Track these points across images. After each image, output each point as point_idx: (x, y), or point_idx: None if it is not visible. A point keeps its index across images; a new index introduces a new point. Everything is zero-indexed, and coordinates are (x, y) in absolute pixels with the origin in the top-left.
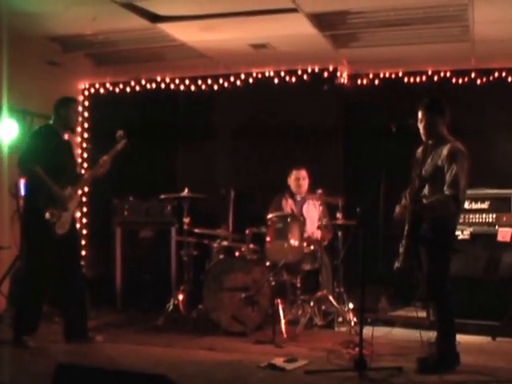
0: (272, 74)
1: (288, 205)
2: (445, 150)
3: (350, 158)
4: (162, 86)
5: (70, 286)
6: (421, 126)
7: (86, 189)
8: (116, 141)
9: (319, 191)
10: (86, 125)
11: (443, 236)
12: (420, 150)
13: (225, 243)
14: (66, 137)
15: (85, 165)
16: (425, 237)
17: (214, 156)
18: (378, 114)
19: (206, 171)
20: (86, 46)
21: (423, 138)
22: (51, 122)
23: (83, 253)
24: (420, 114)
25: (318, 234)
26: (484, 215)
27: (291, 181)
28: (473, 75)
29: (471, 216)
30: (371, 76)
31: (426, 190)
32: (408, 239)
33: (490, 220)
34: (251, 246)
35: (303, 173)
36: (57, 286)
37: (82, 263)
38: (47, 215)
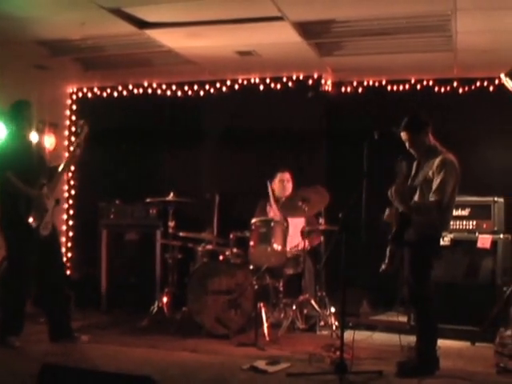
0: (257, 80)
1: (272, 210)
2: (436, 162)
3: (333, 163)
4: (149, 91)
5: (54, 285)
6: (408, 146)
7: (73, 192)
8: (78, 131)
9: (302, 189)
10: (73, 128)
11: (428, 242)
12: (415, 163)
13: (209, 247)
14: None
15: (72, 168)
16: (409, 240)
17: (199, 161)
18: (362, 121)
19: (192, 175)
20: (74, 50)
21: (414, 155)
22: (14, 126)
23: (69, 255)
24: (403, 136)
25: (301, 246)
26: (464, 222)
27: (276, 183)
28: (455, 84)
29: (452, 223)
30: (355, 84)
31: (415, 199)
32: (393, 243)
33: (471, 227)
34: (235, 249)
35: (287, 175)
36: (40, 285)
37: (68, 264)
38: (30, 220)
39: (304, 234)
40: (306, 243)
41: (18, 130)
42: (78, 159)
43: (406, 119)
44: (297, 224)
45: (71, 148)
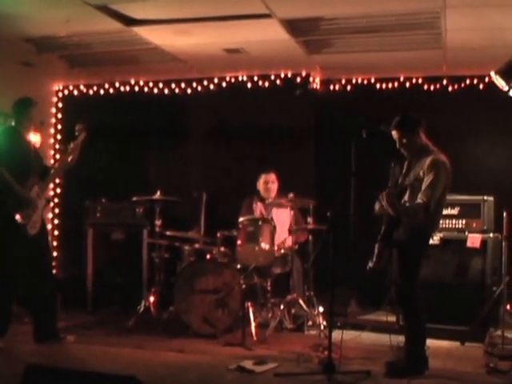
0: (245, 78)
1: (258, 208)
2: (427, 161)
3: (321, 162)
4: (136, 88)
5: (40, 286)
6: (399, 146)
7: (59, 190)
8: (76, 134)
9: (290, 195)
10: (59, 126)
11: (416, 241)
12: (406, 163)
13: (196, 246)
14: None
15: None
16: (398, 240)
17: (186, 159)
18: (350, 119)
19: (179, 174)
20: (61, 47)
21: (405, 154)
22: (13, 123)
23: (54, 254)
24: (394, 136)
25: (289, 241)
26: (454, 221)
27: (260, 184)
28: (445, 82)
29: (441, 221)
30: (343, 82)
31: (405, 198)
32: (382, 241)
33: (460, 226)
34: (222, 248)
35: (272, 176)
36: (26, 286)
37: (53, 264)
38: (18, 217)
39: (291, 232)
40: (293, 239)
41: (17, 126)
42: (74, 163)
43: (397, 119)
44: (283, 219)
45: (68, 150)
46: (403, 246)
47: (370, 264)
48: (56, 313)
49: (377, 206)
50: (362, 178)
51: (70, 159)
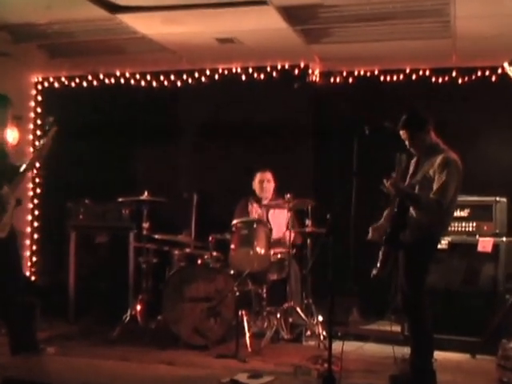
0: (239, 70)
1: (253, 209)
2: (438, 160)
3: (320, 160)
4: (122, 81)
5: (10, 293)
6: (408, 145)
7: (38, 190)
8: (46, 128)
9: (287, 195)
10: (38, 121)
11: (424, 245)
12: (413, 160)
13: (186, 250)
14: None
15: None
16: (405, 243)
17: (176, 157)
18: (352, 114)
19: (168, 173)
20: (40, 36)
21: (414, 153)
22: None
23: (34, 259)
24: (402, 135)
25: (286, 238)
26: (464, 224)
27: (255, 184)
28: (454, 74)
29: (450, 224)
30: (345, 74)
31: None
32: (388, 245)
33: (470, 229)
34: (214, 253)
35: (268, 175)
36: None
37: (33, 270)
38: None
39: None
40: (291, 236)
41: None
42: (44, 159)
43: (404, 117)
44: (280, 221)
45: (37, 146)
46: (410, 250)
47: (374, 271)
48: (35, 322)
49: (370, 232)
50: (364, 177)
51: (39, 156)
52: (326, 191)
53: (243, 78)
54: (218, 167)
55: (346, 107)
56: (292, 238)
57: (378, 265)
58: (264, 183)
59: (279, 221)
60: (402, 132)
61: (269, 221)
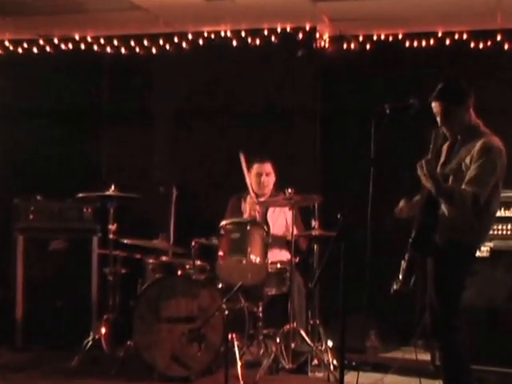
0: (229, 34)
1: (248, 208)
2: (477, 145)
3: (330, 147)
4: (82, 46)
5: None
6: (439, 122)
7: None
8: None
9: (288, 191)
10: None
11: (460, 251)
12: (446, 145)
13: (163, 258)
14: None
15: None
16: (435, 249)
17: (150, 142)
18: (369, 89)
19: (140, 163)
20: None
21: (447, 135)
22: None
23: None
24: (434, 109)
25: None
26: (509, 226)
27: (252, 177)
28: (499, 37)
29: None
30: (361, 38)
31: None
32: (414, 250)
33: None
34: (198, 262)
35: (267, 167)
36: None
37: None
38: None
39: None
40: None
41: None
42: None
43: (441, 85)
44: (281, 223)
45: None
46: (441, 257)
47: (395, 285)
48: None
49: (400, 205)
50: (384, 168)
51: None
52: (336, 185)
53: (234, 43)
54: (203, 156)
55: (363, 81)
56: (295, 243)
57: (401, 276)
58: (262, 177)
59: (280, 222)
60: (434, 104)
61: (267, 222)
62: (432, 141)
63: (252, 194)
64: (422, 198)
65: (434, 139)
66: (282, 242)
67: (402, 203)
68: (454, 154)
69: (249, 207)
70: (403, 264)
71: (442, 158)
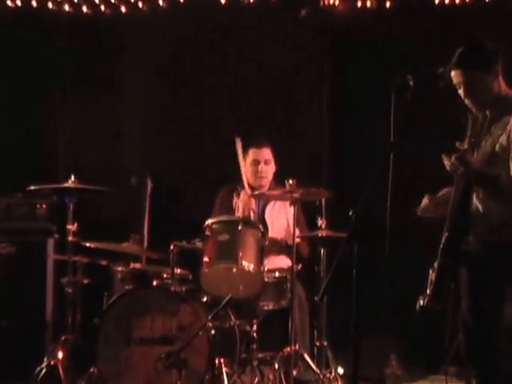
0: None
1: (242, 203)
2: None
3: (340, 130)
4: (34, 3)
5: None
6: (462, 94)
7: None
8: None
9: (289, 182)
10: None
11: (500, 257)
12: (471, 123)
13: (135, 266)
14: None
15: None
16: (470, 255)
17: (119, 123)
18: (389, 57)
19: (106, 148)
20: None
21: (473, 109)
22: None
23: None
24: (456, 78)
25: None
26: None
27: (247, 165)
28: None
29: None
30: None
31: None
32: (443, 258)
33: None
34: (178, 270)
35: (266, 153)
36: None
37: None
38: None
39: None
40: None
41: None
42: None
43: (461, 49)
44: (282, 221)
45: None
46: (478, 264)
47: (422, 300)
48: None
49: (423, 202)
50: (406, 154)
51: None
52: (348, 176)
53: (222, 0)
54: (183, 139)
55: (381, 46)
56: (297, 247)
57: (428, 290)
58: (260, 164)
59: (280, 222)
60: (454, 73)
61: (264, 221)
62: (469, 125)
63: (246, 186)
64: (455, 193)
65: (473, 123)
66: (282, 246)
67: (425, 200)
68: (483, 133)
69: (242, 203)
70: (431, 274)
71: (469, 136)
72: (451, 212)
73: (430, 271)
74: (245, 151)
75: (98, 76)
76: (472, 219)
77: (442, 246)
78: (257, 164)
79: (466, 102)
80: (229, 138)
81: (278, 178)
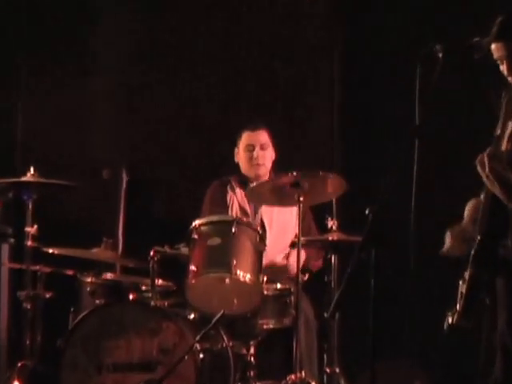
0: None
1: (237, 200)
2: None
3: (354, 109)
4: None
5: None
6: (504, 70)
7: None
8: None
9: (290, 174)
10: None
11: None
12: (503, 105)
13: (108, 276)
14: None
15: None
16: (509, 262)
17: (89, 107)
18: (413, 22)
19: (73, 136)
20: None
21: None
22: None
23: None
24: (495, 53)
25: (293, 261)
26: None
27: (240, 151)
28: None
29: None
30: None
31: None
32: (476, 268)
33: None
34: (160, 281)
35: (262, 136)
36: None
37: None
38: None
39: (294, 246)
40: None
41: None
42: None
43: (500, 19)
44: (284, 221)
45: None
46: None
47: (451, 318)
48: None
49: (447, 240)
50: (434, 141)
51: None
52: (362, 166)
53: None
54: (167, 125)
55: (403, 8)
56: (302, 257)
57: (458, 305)
58: (255, 150)
59: (283, 221)
60: (494, 46)
61: (263, 221)
62: (503, 108)
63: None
64: (486, 195)
65: (507, 104)
66: (283, 272)
67: (448, 237)
68: None
69: (238, 199)
70: (462, 286)
71: (502, 122)
72: (483, 211)
73: (461, 282)
74: (238, 136)
75: (65, 52)
76: (510, 220)
77: (473, 252)
78: (252, 148)
79: (510, 79)
80: (217, 125)
81: (278, 168)
